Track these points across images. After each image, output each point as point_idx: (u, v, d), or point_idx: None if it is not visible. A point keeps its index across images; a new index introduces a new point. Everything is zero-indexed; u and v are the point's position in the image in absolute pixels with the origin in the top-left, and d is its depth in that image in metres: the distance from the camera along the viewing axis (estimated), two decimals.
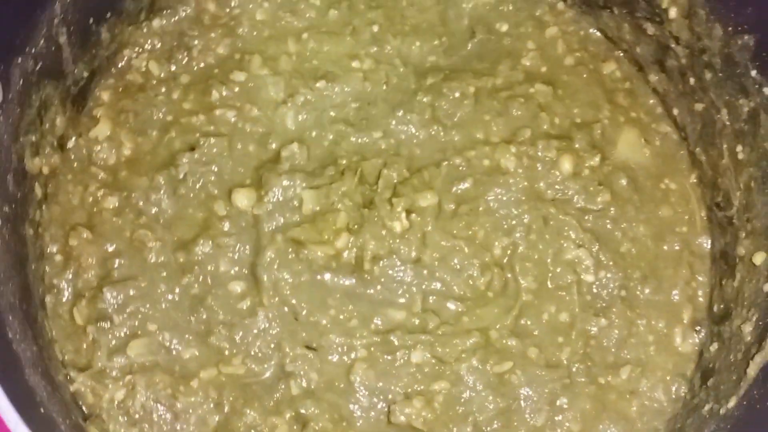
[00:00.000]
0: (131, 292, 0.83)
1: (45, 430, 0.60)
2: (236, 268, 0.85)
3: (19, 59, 0.75)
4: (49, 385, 0.71)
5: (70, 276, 0.83)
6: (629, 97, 0.96)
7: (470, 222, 0.88)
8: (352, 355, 0.83)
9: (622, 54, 0.98)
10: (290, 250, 0.84)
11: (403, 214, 0.86)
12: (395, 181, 0.88)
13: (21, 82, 0.75)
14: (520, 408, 0.82)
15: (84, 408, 0.78)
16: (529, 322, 0.85)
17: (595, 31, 0.99)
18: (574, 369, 0.83)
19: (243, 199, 0.87)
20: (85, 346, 0.81)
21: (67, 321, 0.82)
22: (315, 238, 0.85)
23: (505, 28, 0.99)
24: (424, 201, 0.87)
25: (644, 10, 0.91)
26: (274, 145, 0.90)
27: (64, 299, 0.83)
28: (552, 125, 0.93)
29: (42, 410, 0.65)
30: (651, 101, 0.96)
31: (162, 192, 0.87)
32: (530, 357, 0.83)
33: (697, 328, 0.86)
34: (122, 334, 0.82)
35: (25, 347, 0.70)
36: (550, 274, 0.87)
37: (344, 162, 0.89)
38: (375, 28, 0.97)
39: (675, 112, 0.94)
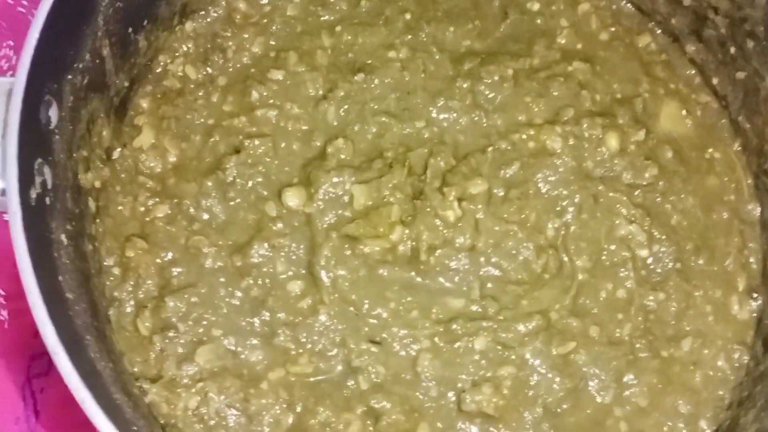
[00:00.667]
0: (193, 299, 0.83)
1: None
2: (293, 268, 0.85)
3: (69, 76, 0.74)
4: (130, 400, 0.71)
5: (130, 288, 0.83)
6: (667, 69, 0.96)
7: (521, 206, 0.88)
8: (416, 347, 0.83)
9: (656, 26, 0.98)
10: (346, 246, 0.85)
11: (455, 203, 0.86)
12: (443, 169, 0.88)
13: (72, 98, 0.75)
14: (587, 387, 0.83)
15: (160, 419, 0.78)
16: (587, 301, 0.86)
17: (628, 4, 0.99)
18: (636, 345, 0.84)
19: (293, 198, 0.87)
20: (153, 356, 0.81)
21: (131, 333, 0.82)
22: (369, 232, 0.86)
23: (536, 7, 0.98)
24: (475, 188, 0.87)
25: None
26: (318, 142, 0.90)
27: (126, 311, 0.83)
28: (594, 102, 0.93)
29: (134, 428, 0.65)
30: (689, 72, 0.96)
31: (212, 197, 0.87)
32: (592, 336, 0.84)
33: (754, 294, 0.87)
34: (188, 342, 0.82)
35: (104, 365, 0.70)
36: (604, 252, 0.87)
37: (390, 154, 0.89)
38: (408, 16, 0.96)
39: (714, 81, 0.94)
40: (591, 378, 0.83)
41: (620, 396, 0.83)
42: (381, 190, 0.87)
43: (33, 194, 0.66)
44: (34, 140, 0.67)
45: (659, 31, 0.98)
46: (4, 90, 0.66)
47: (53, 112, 0.70)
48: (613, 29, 0.98)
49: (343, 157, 0.89)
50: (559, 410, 0.82)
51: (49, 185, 0.69)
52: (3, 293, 1.02)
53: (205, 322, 0.83)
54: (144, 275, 0.84)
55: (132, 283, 0.84)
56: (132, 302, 0.83)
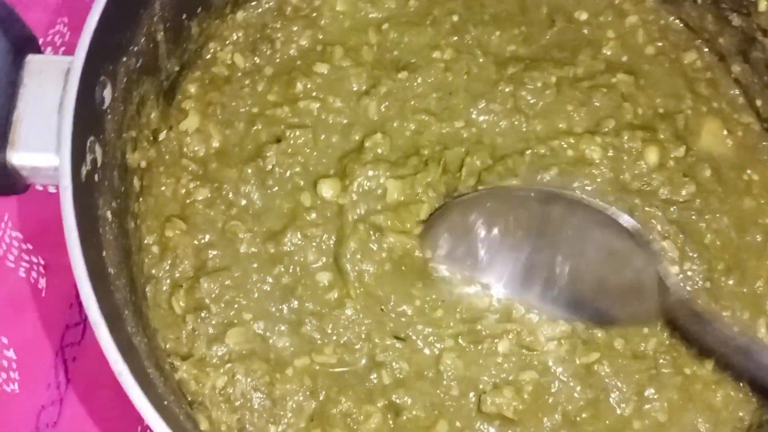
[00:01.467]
0: (226, 282, 0.86)
1: (171, 421, 0.62)
2: (323, 259, 0.87)
3: (124, 58, 0.77)
4: (162, 375, 0.74)
5: (167, 267, 0.86)
6: (711, 87, 0.96)
7: None
8: (440, 345, 0.85)
9: (703, 44, 0.98)
10: (373, 238, 0.86)
11: None
12: (479, 168, 0.89)
13: (125, 80, 0.77)
14: (608, 398, 0.83)
15: (188, 396, 0.81)
16: None
17: (676, 20, 0.99)
18: (660, 360, 0.85)
19: (328, 189, 0.88)
20: (184, 334, 0.84)
21: (166, 311, 0.85)
22: (397, 227, 0.87)
23: (584, 16, 0.99)
24: None
25: (730, 1, 0.91)
26: (357, 136, 0.91)
27: (162, 289, 0.85)
28: (635, 115, 0.93)
29: (165, 402, 0.67)
30: (733, 92, 0.96)
31: (251, 184, 0.89)
32: (616, 348, 0.85)
33: None
34: (219, 323, 0.84)
35: (140, 340, 0.72)
36: None
37: (427, 152, 0.90)
38: (455, 18, 0.97)
39: (758, 103, 0.94)
40: (612, 389, 0.83)
41: (640, 409, 0.83)
42: (414, 186, 0.88)
43: (83, 171, 0.68)
44: (88, 119, 0.70)
45: (706, 49, 0.97)
46: (62, 69, 0.68)
47: (107, 93, 0.73)
48: (659, 44, 0.98)
49: (380, 151, 0.90)
50: (578, 419, 0.83)
51: (99, 163, 0.72)
52: (43, 262, 1.06)
53: (236, 305, 0.85)
54: (181, 255, 0.86)
55: (169, 262, 0.86)
56: (168, 281, 0.86)
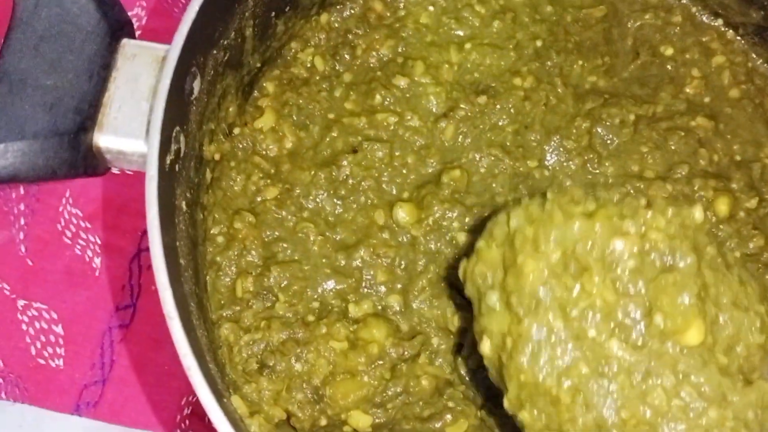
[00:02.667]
0: (296, 273, 0.86)
1: (232, 420, 0.62)
2: (391, 283, 0.87)
3: (214, 51, 0.77)
4: (218, 370, 0.74)
5: (234, 255, 0.86)
6: None
7: None
8: None
9: None
10: (442, 285, 0.86)
11: None
12: None
13: (212, 72, 0.78)
14: None
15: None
16: None
17: (765, 64, 0.97)
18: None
19: (404, 215, 0.87)
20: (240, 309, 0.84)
21: (225, 296, 0.84)
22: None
23: (669, 52, 0.97)
24: None
25: None
26: (433, 163, 0.91)
27: (225, 276, 0.85)
28: (710, 162, 0.91)
29: (224, 400, 0.67)
30: None
31: (323, 189, 0.89)
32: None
33: None
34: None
35: (201, 333, 0.72)
36: None
37: (501, 201, 0.89)
38: (538, 43, 0.96)
39: None
40: None
41: None
42: None
43: (168, 160, 0.69)
44: (177, 109, 0.70)
45: None
46: (157, 56, 0.69)
47: (196, 84, 0.73)
48: (744, 87, 0.96)
49: (456, 186, 0.89)
50: None
51: (182, 153, 0.72)
52: (99, 242, 1.06)
53: (304, 296, 0.85)
54: (249, 247, 0.86)
55: (236, 252, 0.86)
56: (234, 268, 0.85)
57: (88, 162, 0.69)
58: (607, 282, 0.66)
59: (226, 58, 0.80)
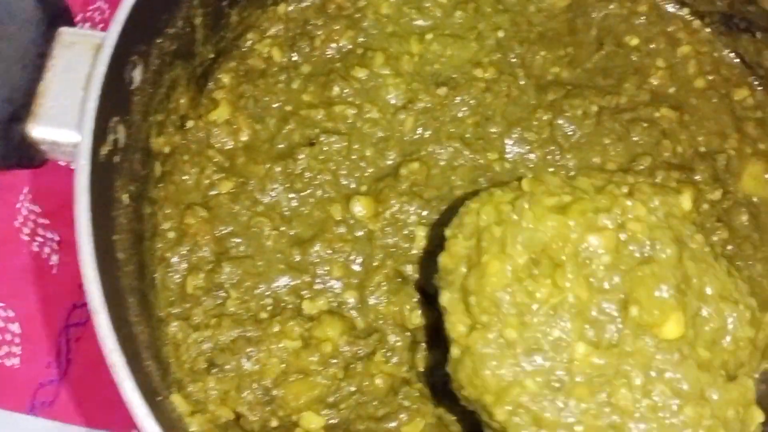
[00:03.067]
0: (249, 269, 0.84)
1: (163, 418, 0.60)
2: (346, 279, 0.85)
3: (159, 40, 0.75)
4: (160, 368, 0.72)
5: (185, 251, 0.84)
6: (760, 127, 0.92)
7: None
8: None
9: (757, 81, 0.94)
10: (398, 281, 0.84)
11: None
12: None
13: (157, 62, 0.76)
14: None
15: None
16: None
17: (731, 54, 0.95)
18: None
19: (361, 208, 0.86)
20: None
21: (175, 293, 0.82)
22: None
23: (635, 42, 0.95)
24: None
25: None
26: (392, 154, 0.89)
27: (175, 272, 0.83)
28: (674, 154, 0.89)
29: (158, 398, 0.65)
30: None
31: (279, 183, 0.87)
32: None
33: None
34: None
35: (141, 329, 0.70)
36: None
37: (460, 194, 0.87)
38: (500, 34, 0.94)
39: None
40: None
41: None
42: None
43: (104, 151, 0.67)
44: (115, 98, 0.68)
45: (759, 87, 0.94)
46: (93, 44, 0.67)
47: (137, 73, 0.71)
48: (710, 77, 0.94)
49: (416, 183, 0.87)
50: None
51: (121, 144, 0.70)
52: (57, 238, 1.04)
53: (256, 294, 0.83)
54: (201, 242, 0.84)
55: (187, 248, 0.84)
56: (185, 265, 0.83)
57: (22, 153, 0.67)
58: (581, 279, 0.64)
59: (173, 47, 0.78)
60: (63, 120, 0.66)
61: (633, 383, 0.62)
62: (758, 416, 0.64)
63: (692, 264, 0.65)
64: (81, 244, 0.60)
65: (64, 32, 0.68)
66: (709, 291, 0.65)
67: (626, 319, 0.62)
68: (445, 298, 0.68)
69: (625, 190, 0.68)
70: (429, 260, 0.82)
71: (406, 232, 0.86)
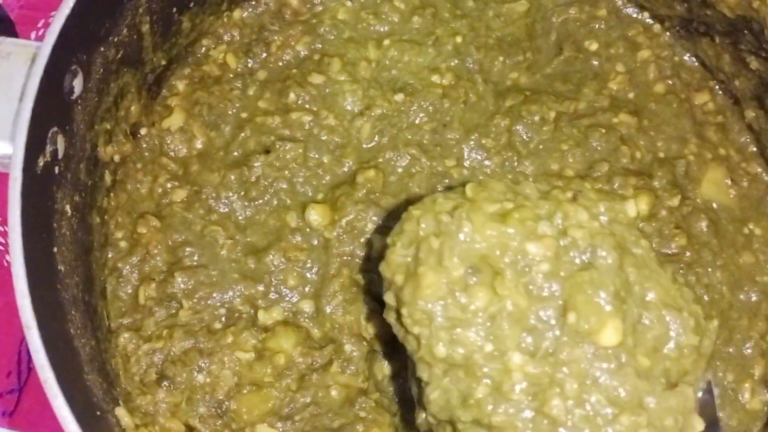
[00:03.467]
0: (202, 279, 0.83)
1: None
2: (302, 287, 0.84)
3: (102, 48, 0.74)
4: (104, 381, 0.71)
5: (136, 261, 0.83)
6: (720, 131, 0.92)
7: None
8: None
9: (717, 85, 0.93)
10: (354, 290, 0.83)
11: None
12: None
13: (101, 70, 0.75)
14: None
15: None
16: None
17: (692, 58, 0.94)
18: None
19: (317, 216, 0.85)
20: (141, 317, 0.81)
21: (127, 304, 0.82)
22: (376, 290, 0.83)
23: (594, 47, 0.95)
24: None
25: (750, 42, 0.86)
26: (349, 163, 0.88)
27: (127, 282, 0.83)
28: (632, 160, 0.89)
29: (98, 413, 0.64)
30: (744, 138, 0.92)
31: (233, 191, 0.86)
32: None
33: None
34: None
35: (85, 342, 0.70)
36: None
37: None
38: (458, 39, 0.94)
39: None
40: None
41: None
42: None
43: (41, 162, 0.66)
44: (53, 109, 0.67)
45: (720, 91, 0.93)
46: (28, 55, 0.66)
47: (78, 83, 0.70)
48: (670, 82, 0.93)
49: (372, 191, 0.86)
50: None
51: (60, 155, 0.69)
52: None
53: (210, 304, 0.82)
54: (153, 252, 0.84)
55: (139, 257, 0.83)
56: (136, 275, 0.83)
57: None
58: (520, 287, 0.63)
59: (119, 55, 0.77)
60: None
61: (567, 392, 0.61)
62: (698, 425, 0.63)
63: (635, 270, 0.64)
64: (13, 258, 0.59)
65: (2, 42, 0.67)
66: (651, 297, 0.64)
67: (564, 327, 0.62)
68: (385, 309, 0.68)
69: (569, 195, 0.67)
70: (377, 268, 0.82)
71: (362, 240, 0.85)
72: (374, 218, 0.85)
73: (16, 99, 0.65)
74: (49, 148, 0.67)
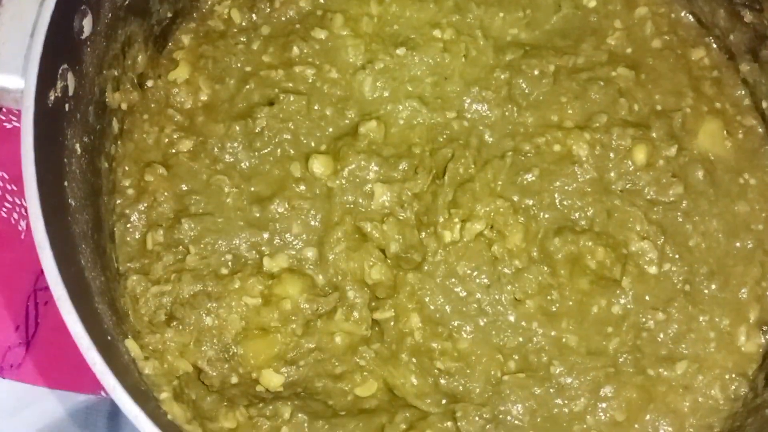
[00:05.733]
0: (208, 225, 0.84)
1: (112, 356, 0.61)
2: (306, 235, 0.86)
3: None
4: (114, 315, 0.72)
5: (143, 207, 0.85)
6: (716, 86, 0.93)
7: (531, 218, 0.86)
8: None
9: (713, 40, 0.95)
10: (357, 236, 0.85)
11: (458, 226, 0.85)
12: (461, 178, 0.87)
13: (110, 15, 0.76)
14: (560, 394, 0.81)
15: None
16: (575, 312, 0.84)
17: (688, 14, 0.96)
18: (620, 359, 0.82)
19: (320, 166, 0.86)
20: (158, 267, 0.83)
21: (135, 249, 0.84)
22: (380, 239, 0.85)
23: (592, 4, 0.96)
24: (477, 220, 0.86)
25: None
26: (351, 115, 0.89)
27: (135, 229, 0.84)
28: (630, 112, 0.90)
29: (109, 338, 0.66)
30: (739, 92, 0.93)
31: (238, 142, 0.87)
32: (570, 345, 0.82)
33: (765, 328, 0.84)
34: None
35: (95, 276, 0.71)
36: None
37: (418, 151, 0.88)
38: None
39: (764, 105, 0.91)
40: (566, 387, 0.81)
41: (595, 407, 0.80)
42: (401, 195, 0.86)
43: (51, 96, 0.67)
44: (62, 46, 0.69)
45: (715, 46, 0.94)
46: None
47: (87, 23, 0.72)
48: (667, 38, 0.95)
49: (374, 141, 0.88)
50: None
51: (71, 92, 0.71)
52: (25, 205, 1.05)
53: (215, 250, 0.84)
54: (160, 199, 0.85)
55: (146, 204, 0.85)
56: (143, 221, 0.84)
57: None
58: None
59: (127, 2, 0.79)
60: (10, 66, 0.66)
61: None
62: None
63: None
64: (27, 181, 0.61)
65: None
66: None
67: None
68: None
69: None
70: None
71: (365, 189, 0.86)
72: (376, 168, 0.86)
73: (27, 35, 0.67)
74: (59, 84, 0.68)
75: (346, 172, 0.86)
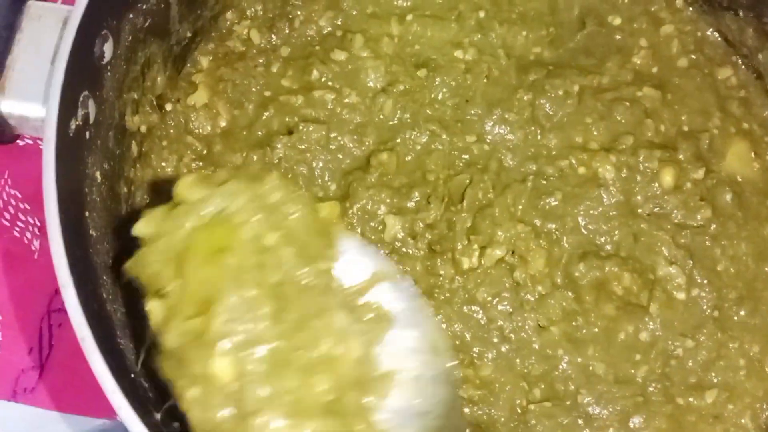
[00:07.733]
0: None
1: (136, 398, 0.59)
2: None
3: (131, 15, 0.74)
4: (136, 349, 0.71)
5: None
6: (743, 106, 0.92)
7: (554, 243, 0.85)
8: None
9: (740, 60, 0.93)
10: None
11: (477, 252, 0.83)
12: (480, 203, 0.85)
13: (130, 38, 0.75)
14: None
15: None
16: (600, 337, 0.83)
17: (714, 32, 0.94)
18: (649, 388, 0.80)
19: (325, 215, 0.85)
20: None
21: None
22: None
23: (617, 21, 0.95)
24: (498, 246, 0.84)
25: None
26: (368, 142, 0.87)
27: None
28: (657, 133, 0.88)
29: (132, 375, 0.65)
30: (767, 112, 0.91)
31: None
32: (597, 373, 0.81)
33: None
34: None
35: (116, 308, 0.70)
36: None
37: (432, 179, 0.86)
38: (481, 14, 0.93)
39: None
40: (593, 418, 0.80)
41: None
42: (413, 226, 0.84)
43: (73, 125, 0.66)
44: (84, 72, 0.68)
45: (743, 66, 0.93)
46: (61, 17, 0.66)
47: (108, 48, 0.70)
48: (693, 56, 0.93)
49: (386, 172, 0.86)
50: None
51: (92, 119, 0.69)
52: (39, 224, 1.04)
53: None
54: None
55: None
56: None
57: None
58: None
59: (147, 24, 0.78)
60: (30, 94, 0.65)
61: None
62: None
63: None
64: (49, 216, 0.60)
65: (32, 5, 0.68)
66: None
67: None
68: None
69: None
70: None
71: (377, 224, 0.84)
72: (387, 200, 0.85)
73: (47, 60, 0.66)
74: (80, 112, 0.67)
75: (355, 209, 0.85)
